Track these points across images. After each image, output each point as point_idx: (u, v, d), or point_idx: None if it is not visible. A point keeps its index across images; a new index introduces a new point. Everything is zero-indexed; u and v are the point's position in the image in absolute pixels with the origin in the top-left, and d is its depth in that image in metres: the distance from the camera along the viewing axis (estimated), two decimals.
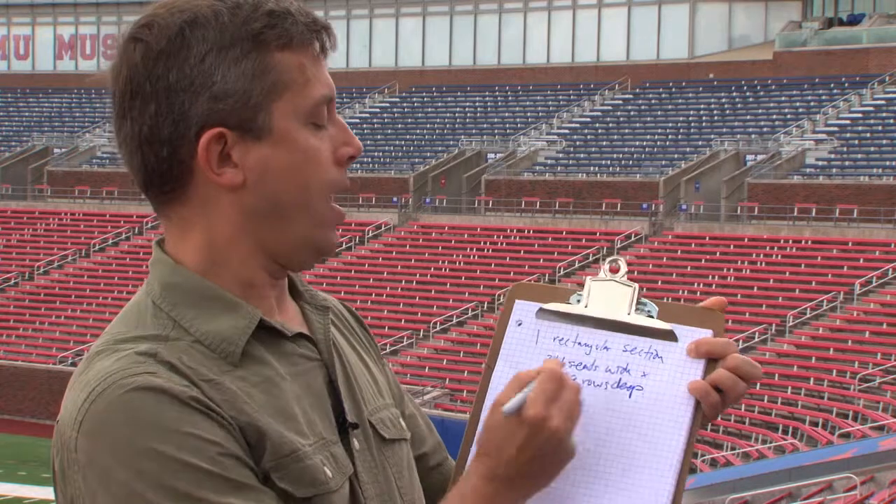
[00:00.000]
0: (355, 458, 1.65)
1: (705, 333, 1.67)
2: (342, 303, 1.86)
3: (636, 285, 1.68)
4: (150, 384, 1.51)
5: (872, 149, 42.34)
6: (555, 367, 1.56)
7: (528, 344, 1.68)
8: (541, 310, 1.69)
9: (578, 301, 1.69)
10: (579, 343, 1.67)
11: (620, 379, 1.65)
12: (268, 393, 1.59)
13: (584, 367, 1.66)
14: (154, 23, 1.61)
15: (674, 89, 48.90)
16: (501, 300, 38.22)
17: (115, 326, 1.62)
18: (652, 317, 1.68)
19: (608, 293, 1.68)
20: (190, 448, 1.49)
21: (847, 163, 42.03)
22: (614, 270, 1.69)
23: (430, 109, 52.61)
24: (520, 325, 1.69)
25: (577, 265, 39.49)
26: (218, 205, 1.61)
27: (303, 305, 1.73)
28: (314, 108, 1.62)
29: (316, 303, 1.73)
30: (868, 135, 43.33)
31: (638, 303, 1.68)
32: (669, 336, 1.67)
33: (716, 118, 46.76)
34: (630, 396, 1.65)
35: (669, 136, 46.36)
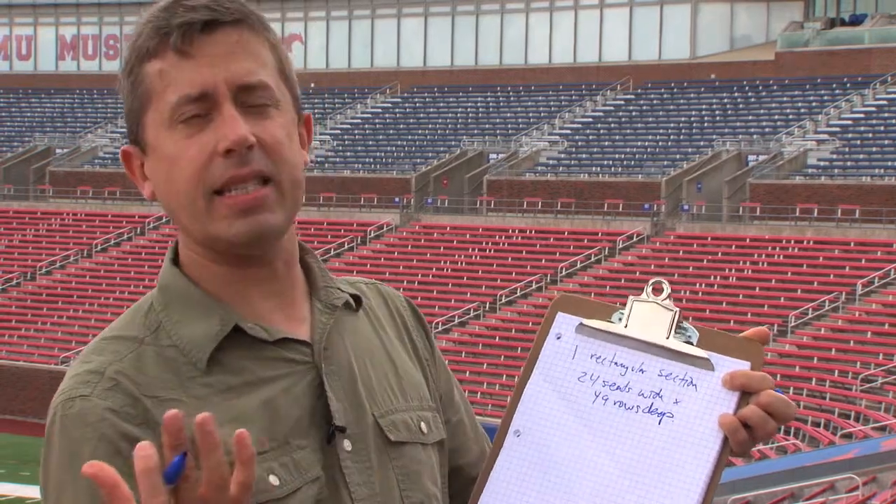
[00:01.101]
0: (342, 459, 1.65)
1: (743, 365, 1.64)
2: (405, 297, 1.88)
3: (677, 309, 1.67)
4: (78, 411, 1.58)
5: (874, 149, 42.32)
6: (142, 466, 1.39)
7: (564, 358, 1.67)
8: (581, 325, 1.68)
9: (620, 319, 1.68)
10: (616, 363, 1.66)
11: (652, 404, 1.64)
12: (229, 401, 1.61)
13: (618, 388, 1.65)
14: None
15: (675, 89, 48.88)
16: (504, 300, 38.23)
17: (117, 319, 1.69)
18: (691, 342, 1.66)
19: (649, 314, 1.67)
20: (84, 490, 1.54)
21: (849, 163, 42.01)
22: (657, 292, 1.67)
23: (431, 110, 52.60)
24: (559, 338, 1.68)
25: (579, 265, 39.48)
26: None
27: (315, 304, 1.73)
28: (172, 111, 1.62)
29: (328, 301, 1.73)
30: (870, 135, 43.31)
31: (678, 327, 1.66)
32: (706, 364, 1.65)
33: (717, 118, 46.74)
34: (660, 423, 1.63)
35: (671, 137, 46.35)
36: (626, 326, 1.67)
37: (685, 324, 1.67)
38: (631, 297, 1.68)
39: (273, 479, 1.60)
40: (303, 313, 1.71)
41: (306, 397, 1.66)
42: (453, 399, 1.85)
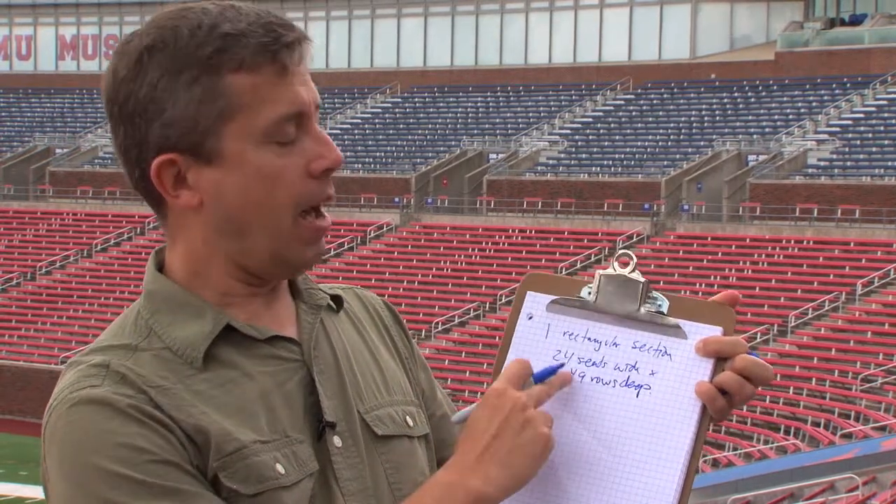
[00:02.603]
0: (332, 455, 1.67)
1: (715, 331, 1.64)
2: (383, 300, 1.91)
3: (645, 280, 1.66)
4: (90, 396, 1.58)
5: (874, 149, 42.32)
6: (524, 359, 1.63)
7: (538, 338, 1.66)
8: (551, 303, 1.67)
9: (589, 294, 1.66)
10: (589, 338, 1.65)
11: (629, 377, 1.63)
12: (229, 393, 1.63)
13: (594, 363, 1.64)
14: (126, 44, 1.66)
15: (675, 89, 48.89)
16: (504, 300, 38.21)
17: (104, 333, 1.69)
18: (662, 312, 1.65)
19: (618, 287, 1.65)
20: (123, 459, 1.55)
21: (849, 163, 42.02)
22: (624, 264, 1.66)
23: (431, 110, 52.61)
24: (530, 318, 1.67)
25: (579, 265, 39.49)
26: (190, 221, 1.66)
27: (299, 305, 1.75)
28: (271, 128, 1.63)
29: (312, 301, 1.75)
30: (870, 135, 43.31)
31: (648, 297, 1.65)
32: (678, 332, 1.64)
33: (717, 118, 46.75)
34: (637, 396, 1.62)
35: (671, 137, 46.35)
36: (595, 301, 1.66)
37: (655, 293, 1.66)
38: (598, 271, 1.67)
39: (280, 468, 1.62)
40: (288, 314, 1.73)
41: (298, 394, 1.68)
42: (435, 395, 1.88)
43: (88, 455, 1.55)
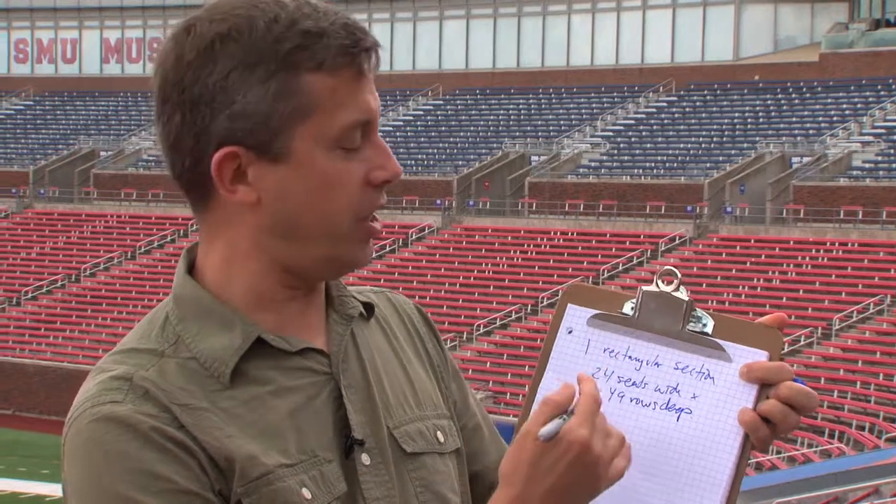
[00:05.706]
0: (360, 473, 1.62)
1: (761, 355, 1.58)
2: (415, 305, 1.84)
3: (690, 298, 1.60)
4: (112, 414, 1.53)
5: None
6: (593, 389, 1.51)
7: (577, 353, 1.62)
8: (592, 317, 1.62)
9: (631, 310, 1.61)
10: (630, 357, 1.61)
11: (669, 400, 1.59)
12: (256, 412, 1.58)
13: (633, 383, 1.60)
14: (192, 29, 1.59)
15: (719, 91, 48.69)
16: (545, 302, 38.16)
17: (130, 333, 1.65)
18: (707, 332, 1.60)
19: (661, 305, 1.61)
20: (141, 486, 1.51)
21: (894, 165, 41.70)
22: (668, 282, 1.61)
23: (473, 112, 52.62)
24: (570, 332, 1.62)
25: (621, 268, 39.39)
26: (239, 218, 1.61)
27: (330, 314, 1.70)
28: (342, 133, 1.59)
29: (344, 311, 1.70)
30: None
31: (692, 316, 1.60)
32: (722, 355, 1.59)
33: (761, 120, 46.52)
34: (678, 420, 1.58)
35: (714, 139, 46.16)
36: (637, 317, 1.61)
37: (699, 311, 1.61)
38: (641, 287, 1.62)
39: (305, 492, 1.57)
40: (317, 322, 1.68)
41: (327, 409, 1.63)
42: (468, 405, 1.82)
43: (106, 478, 1.51)
